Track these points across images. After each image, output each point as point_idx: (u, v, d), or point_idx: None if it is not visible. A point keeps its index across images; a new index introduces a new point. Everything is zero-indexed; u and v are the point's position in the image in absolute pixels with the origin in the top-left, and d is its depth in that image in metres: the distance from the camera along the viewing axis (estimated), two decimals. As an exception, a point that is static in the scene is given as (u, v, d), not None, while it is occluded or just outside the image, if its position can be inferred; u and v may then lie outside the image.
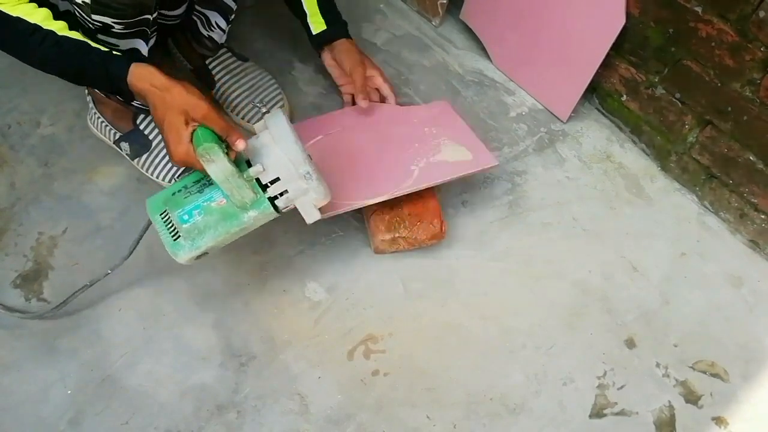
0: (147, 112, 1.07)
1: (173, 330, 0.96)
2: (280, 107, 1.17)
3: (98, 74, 0.83)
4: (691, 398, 0.98)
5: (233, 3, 1.06)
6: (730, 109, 1.04)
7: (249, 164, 0.84)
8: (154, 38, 0.95)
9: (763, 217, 1.10)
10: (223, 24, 1.08)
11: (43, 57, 0.82)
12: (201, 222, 0.83)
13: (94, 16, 0.83)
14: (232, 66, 1.18)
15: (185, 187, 0.87)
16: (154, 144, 1.07)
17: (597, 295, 1.06)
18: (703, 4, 0.99)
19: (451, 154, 1.05)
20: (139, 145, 1.07)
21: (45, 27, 0.81)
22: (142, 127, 1.07)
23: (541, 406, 0.95)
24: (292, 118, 1.20)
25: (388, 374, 0.96)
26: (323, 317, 1.00)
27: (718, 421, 0.97)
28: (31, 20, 0.80)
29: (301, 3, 1.09)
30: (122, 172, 1.10)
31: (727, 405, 0.98)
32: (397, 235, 1.01)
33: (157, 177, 1.08)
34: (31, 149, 1.11)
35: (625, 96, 1.21)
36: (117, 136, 1.08)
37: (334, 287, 1.03)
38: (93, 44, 0.83)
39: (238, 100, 1.16)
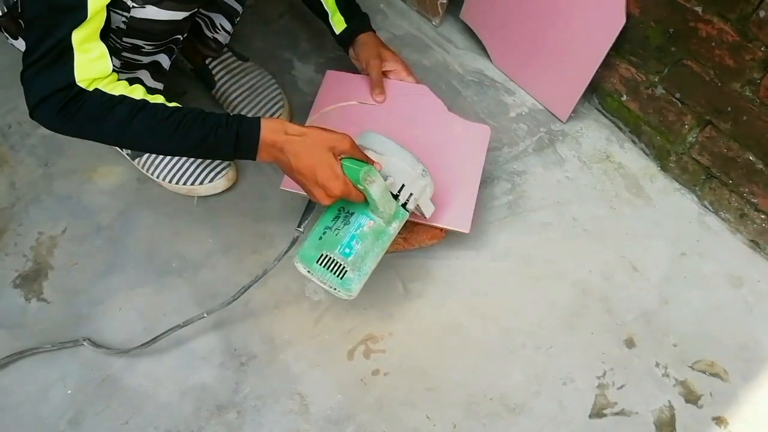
0: None
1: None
2: (280, 107, 1.17)
3: (224, 139, 0.79)
4: (691, 398, 0.98)
5: (238, 5, 1.06)
6: (730, 109, 1.04)
7: None
8: (178, 52, 0.95)
9: (763, 216, 1.10)
10: (228, 26, 1.08)
11: (157, 133, 0.78)
12: (361, 249, 0.87)
13: (125, 39, 0.82)
14: (232, 66, 1.18)
15: (328, 227, 0.88)
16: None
17: (597, 295, 1.06)
18: (703, 3, 0.99)
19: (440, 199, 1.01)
20: (140, 145, 1.07)
21: (152, 101, 0.78)
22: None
23: (541, 406, 0.95)
24: (291, 118, 1.20)
25: (388, 374, 0.96)
26: (323, 317, 1.00)
27: (718, 420, 0.97)
28: (136, 97, 0.78)
29: (322, 4, 1.07)
30: (122, 172, 1.11)
31: (727, 405, 0.98)
32: (397, 235, 1.01)
33: (158, 177, 1.08)
34: (31, 149, 1.12)
35: (625, 96, 1.21)
36: (117, 136, 1.08)
37: (334, 287, 1.03)
38: (206, 111, 0.81)
39: (238, 100, 1.16)
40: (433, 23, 1.38)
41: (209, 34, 1.09)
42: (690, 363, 1.01)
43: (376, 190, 0.82)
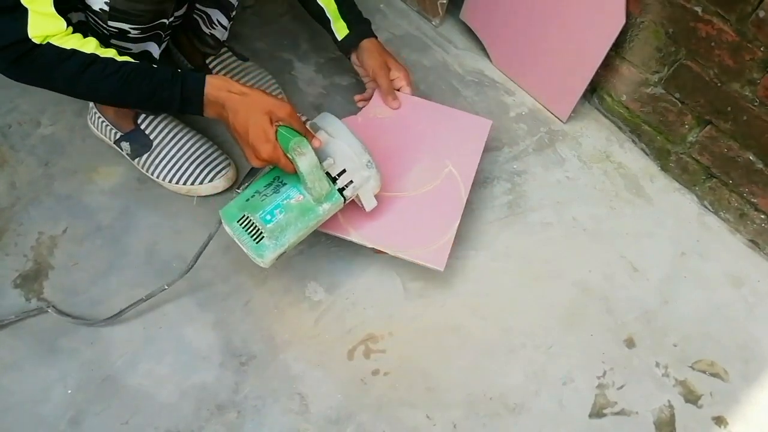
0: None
1: (173, 330, 0.96)
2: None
3: (169, 94, 0.82)
4: (691, 398, 0.98)
5: None
6: (729, 108, 1.04)
7: None
8: (167, 41, 0.95)
9: (762, 216, 1.10)
10: (224, 21, 1.08)
11: (107, 86, 0.80)
12: (283, 220, 0.87)
13: (110, 23, 0.83)
14: (232, 66, 1.18)
15: (258, 191, 0.89)
16: (154, 144, 1.07)
17: (597, 294, 1.06)
18: (702, 3, 0.99)
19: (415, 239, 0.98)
20: (140, 144, 1.07)
21: (102, 55, 0.80)
22: (143, 126, 1.07)
23: (540, 405, 0.95)
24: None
25: (388, 374, 0.96)
26: (323, 317, 1.00)
27: (718, 420, 0.97)
28: (87, 50, 0.79)
29: (324, 11, 1.08)
30: (122, 171, 1.11)
31: (726, 405, 0.98)
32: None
33: (158, 177, 1.08)
34: (31, 149, 1.12)
35: (625, 96, 1.21)
36: (117, 136, 1.08)
37: (334, 287, 1.03)
38: (155, 66, 0.82)
39: (238, 100, 1.16)
40: (433, 23, 1.38)
41: (206, 31, 1.09)
42: (690, 363, 1.01)
43: (304, 162, 0.83)
